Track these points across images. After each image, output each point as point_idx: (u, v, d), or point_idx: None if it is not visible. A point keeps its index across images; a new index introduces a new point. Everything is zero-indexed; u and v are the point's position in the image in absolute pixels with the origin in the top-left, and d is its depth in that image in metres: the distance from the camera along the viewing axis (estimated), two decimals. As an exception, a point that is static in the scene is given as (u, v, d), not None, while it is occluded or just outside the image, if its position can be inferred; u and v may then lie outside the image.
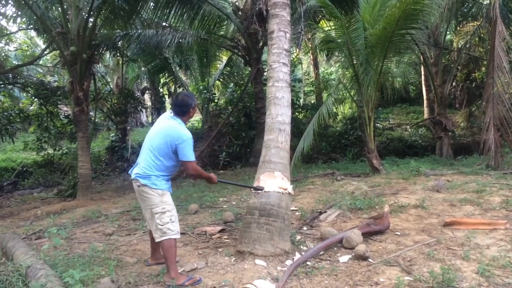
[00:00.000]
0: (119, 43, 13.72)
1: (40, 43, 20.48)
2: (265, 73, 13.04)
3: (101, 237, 5.22)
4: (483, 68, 14.58)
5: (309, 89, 19.89)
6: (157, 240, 3.51)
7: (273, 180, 4.11)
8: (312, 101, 17.72)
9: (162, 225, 3.43)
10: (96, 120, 17.06)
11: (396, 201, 5.82)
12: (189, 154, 3.48)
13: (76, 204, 8.65)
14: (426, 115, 16.00)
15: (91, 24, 10.15)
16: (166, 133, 3.52)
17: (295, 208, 5.99)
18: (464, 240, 4.05)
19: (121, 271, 3.70)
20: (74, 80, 9.90)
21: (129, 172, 3.72)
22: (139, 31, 12.53)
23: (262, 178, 4.16)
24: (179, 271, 3.62)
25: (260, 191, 4.11)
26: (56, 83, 17.07)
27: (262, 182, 4.13)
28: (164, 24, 12.87)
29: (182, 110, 3.63)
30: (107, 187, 12.02)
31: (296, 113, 14.47)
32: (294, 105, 13.72)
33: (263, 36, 11.42)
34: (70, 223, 6.10)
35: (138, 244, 4.72)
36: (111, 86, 19.35)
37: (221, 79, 18.36)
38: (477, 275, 3.17)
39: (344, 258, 3.87)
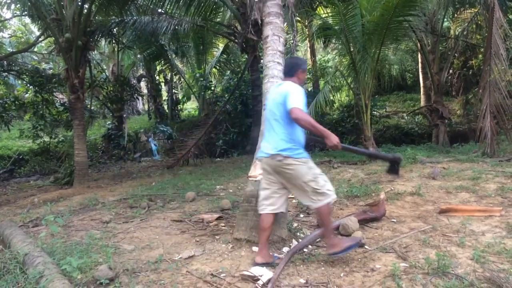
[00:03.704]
0: (115, 30, 13.59)
1: (35, 29, 20.26)
2: (261, 61, 12.96)
3: (99, 224, 5.23)
4: (480, 56, 14.57)
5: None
6: (317, 205, 3.35)
7: None
8: (309, 89, 17.66)
9: (320, 188, 3.31)
10: (92, 107, 16.99)
11: (392, 188, 5.84)
12: (296, 100, 3.20)
13: (73, 192, 8.65)
14: (422, 103, 16.01)
15: (86, 10, 10.03)
16: (280, 94, 3.37)
17: (292, 196, 6.00)
18: (460, 227, 4.09)
19: (118, 258, 3.71)
20: (69, 67, 9.82)
21: (258, 155, 3.64)
22: (135, 17, 12.40)
23: (259, 162, 4.18)
24: (177, 258, 3.64)
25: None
26: (51, 70, 16.97)
27: (259, 167, 4.14)
28: (159, 10, 12.73)
29: (290, 70, 3.57)
30: (104, 175, 12.01)
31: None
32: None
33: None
34: (67, 210, 6.10)
35: (136, 232, 4.73)
36: (106, 74, 19.23)
37: (217, 67, 18.28)
38: (472, 261, 3.20)
39: (341, 245, 3.90)
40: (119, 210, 6.01)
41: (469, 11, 13.12)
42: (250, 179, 4.21)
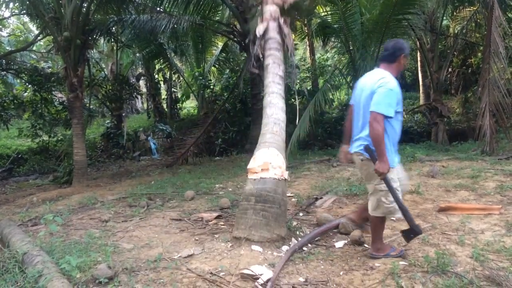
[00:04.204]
0: (113, 28, 13.51)
1: (33, 28, 20.23)
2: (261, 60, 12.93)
3: (98, 223, 5.22)
4: (479, 54, 14.54)
5: (305, 75, 19.82)
6: (373, 213, 3.38)
7: (269, 156, 4.14)
8: (308, 87, 17.64)
9: (388, 204, 3.23)
10: (91, 106, 16.97)
11: (392, 187, 5.83)
12: (381, 102, 3.00)
13: (72, 191, 8.64)
14: (421, 101, 16.00)
15: (84, 9, 10.02)
16: (370, 88, 3.16)
17: (291, 194, 6.01)
18: (459, 225, 4.09)
19: (117, 257, 3.70)
20: (68, 66, 9.80)
21: (350, 150, 3.49)
22: (133, 16, 12.33)
23: (258, 155, 4.19)
24: (176, 256, 3.64)
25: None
26: (50, 69, 16.93)
27: (258, 159, 4.15)
28: (158, 9, 12.71)
29: (392, 55, 3.27)
30: (103, 174, 12.00)
31: (292, 99, 14.45)
32: (289, 91, 13.66)
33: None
34: (66, 209, 6.09)
35: (135, 231, 4.72)
36: (105, 72, 19.19)
37: (216, 65, 18.23)
38: (472, 259, 3.20)
39: (340, 243, 3.90)
40: (118, 209, 6.00)
41: (468, 9, 13.10)
42: (249, 173, 4.19)
